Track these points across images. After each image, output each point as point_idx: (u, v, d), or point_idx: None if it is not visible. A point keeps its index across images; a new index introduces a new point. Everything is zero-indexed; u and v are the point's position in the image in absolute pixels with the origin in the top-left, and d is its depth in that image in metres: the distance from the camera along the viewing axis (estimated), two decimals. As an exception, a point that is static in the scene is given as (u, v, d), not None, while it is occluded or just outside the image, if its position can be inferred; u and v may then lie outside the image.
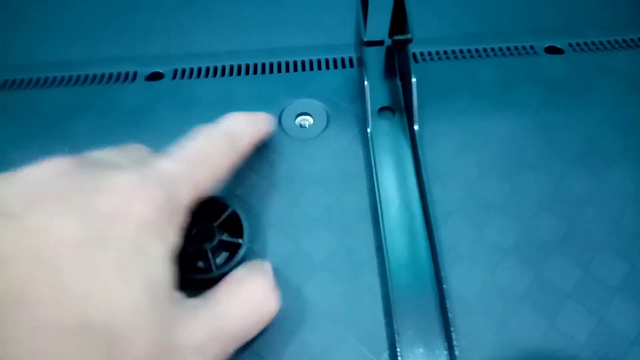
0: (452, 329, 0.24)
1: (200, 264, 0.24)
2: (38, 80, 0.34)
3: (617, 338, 0.25)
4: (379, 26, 0.29)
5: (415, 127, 0.29)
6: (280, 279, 0.26)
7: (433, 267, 0.26)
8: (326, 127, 0.31)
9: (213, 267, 0.24)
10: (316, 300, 0.25)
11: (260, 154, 0.29)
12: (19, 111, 0.32)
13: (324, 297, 0.26)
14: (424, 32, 0.36)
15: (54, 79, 0.34)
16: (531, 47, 0.35)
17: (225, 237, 0.25)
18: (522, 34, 0.36)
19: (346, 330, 0.25)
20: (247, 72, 0.34)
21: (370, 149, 0.29)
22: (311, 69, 0.34)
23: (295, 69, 0.34)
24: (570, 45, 0.35)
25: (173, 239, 0.19)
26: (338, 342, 0.24)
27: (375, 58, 0.32)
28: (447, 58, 0.34)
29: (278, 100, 0.32)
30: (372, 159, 0.28)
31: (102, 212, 0.16)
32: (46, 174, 0.17)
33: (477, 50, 0.35)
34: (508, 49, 0.35)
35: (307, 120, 0.31)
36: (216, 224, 0.25)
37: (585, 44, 0.35)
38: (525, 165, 0.29)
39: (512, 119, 0.31)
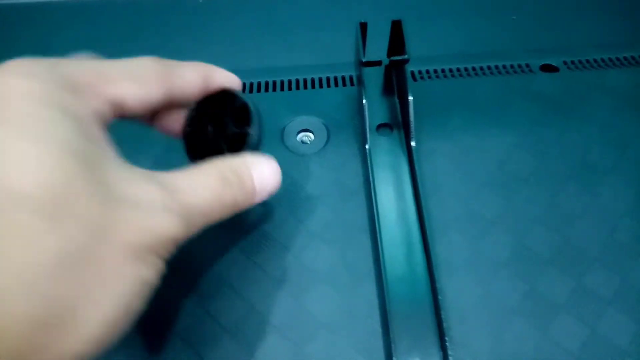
0: (447, 339, 0.25)
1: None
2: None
3: (610, 349, 0.25)
4: (377, 47, 0.30)
5: (413, 144, 0.30)
6: (281, 290, 0.27)
7: (429, 279, 0.27)
8: (327, 143, 0.32)
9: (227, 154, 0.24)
10: (315, 311, 0.26)
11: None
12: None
13: (323, 309, 0.26)
14: (422, 51, 0.37)
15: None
16: (527, 65, 0.36)
17: (235, 128, 0.25)
18: (518, 52, 0.37)
19: (344, 341, 0.25)
20: (250, 90, 0.35)
21: (369, 164, 0.30)
22: (312, 87, 0.35)
23: (297, 87, 0.35)
24: (565, 63, 0.36)
25: (73, 108, 0.18)
26: (336, 352, 0.25)
27: (373, 77, 0.33)
28: (445, 76, 0.35)
29: (280, 117, 0.33)
30: (371, 175, 0.29)
31: None
32: None
33: (473, 69, 0.36)
34: (504, 67, 0.36)
35: (309, 137, 0.32)
36: (227, 115, 0.25)
37: (580, 62, 0.36)
38: (520, 181, 0.30)
39: (507, 136, 0.32)
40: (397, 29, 0.30)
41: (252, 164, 0.22)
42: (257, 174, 0.22)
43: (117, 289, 0.16)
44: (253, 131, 0.24)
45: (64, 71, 0.18)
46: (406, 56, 0.29)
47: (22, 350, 0.14)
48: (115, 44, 0.41)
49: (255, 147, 0.24)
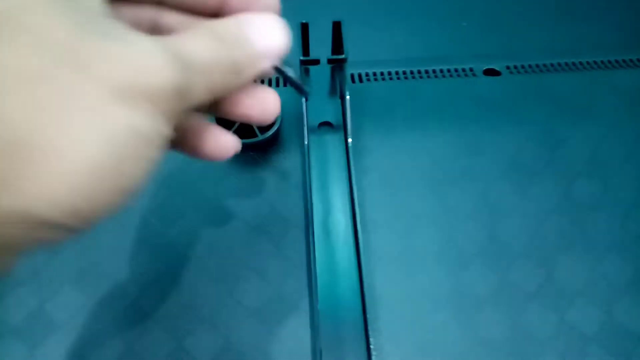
0: (369, 330, 0.25)
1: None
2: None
3: (531, 341, 0.26)
4: (316, 47, 0.31)
5: (349, 141, 0.31)
6: (213, 279, 0.27)
7: (358, 272, 0.27)
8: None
9: (257, 133, 0.30)
10: (245, 301, 0.27)
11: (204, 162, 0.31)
12: None
13: (253, 299, 0.27)
14: (370, 54, 0.38)
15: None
16: (470, 69, 0.37)
17: None
18: (463, 57, 0.38)
19: (272, 332, 0.26)
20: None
21: (306, 160, 0.31)
22: (269, 84, 0.36)
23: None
24: (508, 67, 0.37)
25: None
26: (263, 342, 0.26)
27: (319, 77, 0.34)
28: (390, 79, 0.36)
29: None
30: (307, 170, 0.30)
31: None
32: None
33: (419, 72, 0.37)
34: (448, 70, 0.37)
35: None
36: None
37: (523, 66, 0.37)
38: (453, 179, 0.31)
39: (442, 136, 0.33)
40: (337, 29, 0.31)
41: (248, 22, 0.18)
42: (256, 32, 0.18)
43: (103, 129, 0.13)
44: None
45: None
46: (343, 56, 0.30)
47: None
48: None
49: (280, 124, 0.31)
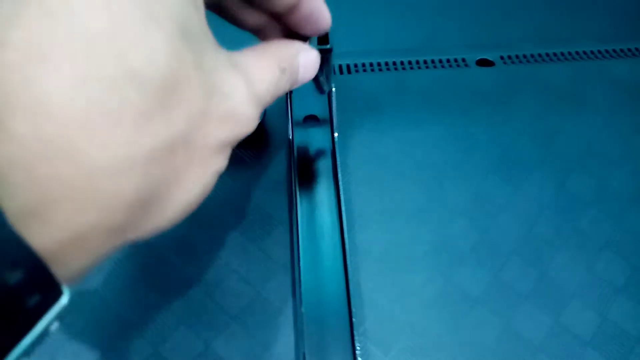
0: (355, 333, 0.24)
1: None
2: None
3: (524, 344, 0.25)
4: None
5: (335, 135, 0.29)
6: (191, 281, 0.26)
7: (344, 273, 0.26)
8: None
9: None
10: (226, 303, 0.26)
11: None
12: None
13: (234, 301, 0.26)
14: (360, 45, 0.37)
15: None
16: (463, 59, 0.36)
17: None
18: (455, 47, 0.37)
19: (254, 336, 0.25)
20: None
21: (291, 155, 0.29)
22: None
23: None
24: (502, 58, 0.36)
25: None
26: (244, 347, 0.25)
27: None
28: (380, 70, 0.35)
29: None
30: (292, 166, 0.29)
31: None
32: None
33: (409, 63, 0.35)
34: (440, 61, 0.36)
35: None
36: None
37: (517, 56, 0.36)
38: (443, 174, 0.30)
39: (433, 129, 0.32)
40: (322, 18, 0.29)
41: (301, 54, 0.21)
42: (302, 63, 0.21)
43: (202, 177, 0.17)
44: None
45: None
46: (329, 46, 0.28)
47: (121, 225, 0.14)
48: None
49: (263, 118, 0.30)
